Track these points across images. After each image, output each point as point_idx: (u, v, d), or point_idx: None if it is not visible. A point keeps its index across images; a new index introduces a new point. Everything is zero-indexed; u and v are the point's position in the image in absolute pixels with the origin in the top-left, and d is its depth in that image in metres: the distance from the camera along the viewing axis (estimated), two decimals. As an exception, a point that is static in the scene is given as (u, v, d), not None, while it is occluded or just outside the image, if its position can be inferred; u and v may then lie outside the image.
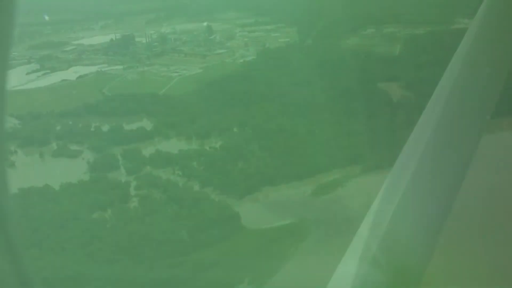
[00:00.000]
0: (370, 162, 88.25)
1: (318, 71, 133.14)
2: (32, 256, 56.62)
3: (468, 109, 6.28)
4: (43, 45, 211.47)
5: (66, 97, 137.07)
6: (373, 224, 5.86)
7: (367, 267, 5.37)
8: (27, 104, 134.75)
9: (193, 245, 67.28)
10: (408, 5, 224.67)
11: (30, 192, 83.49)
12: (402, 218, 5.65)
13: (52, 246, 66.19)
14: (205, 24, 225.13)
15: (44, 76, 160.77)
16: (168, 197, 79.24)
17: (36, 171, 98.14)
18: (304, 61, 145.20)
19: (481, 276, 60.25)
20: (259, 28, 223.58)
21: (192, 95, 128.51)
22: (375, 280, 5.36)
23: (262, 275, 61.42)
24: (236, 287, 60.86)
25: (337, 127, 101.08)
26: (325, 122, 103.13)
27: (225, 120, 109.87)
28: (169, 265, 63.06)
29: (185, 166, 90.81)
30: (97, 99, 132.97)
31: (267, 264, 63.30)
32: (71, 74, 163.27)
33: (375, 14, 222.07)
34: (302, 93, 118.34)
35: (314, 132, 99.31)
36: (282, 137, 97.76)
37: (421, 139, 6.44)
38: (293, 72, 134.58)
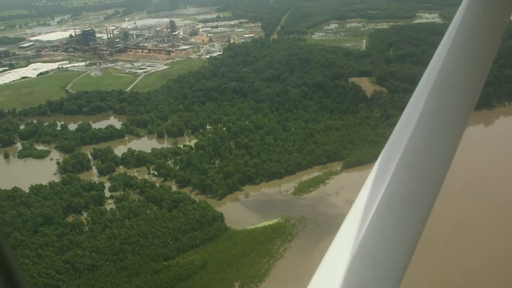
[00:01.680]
0: (349, 159, 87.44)
1: (288, 66, 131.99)
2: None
3: (451, 105, 6.46)
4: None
5: (27, 95, 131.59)
6: (355, 221, 5.93)
7: (349, 264, 5.46)
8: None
9: (177, 248, 64.67)
10: (368, 0, 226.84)
11: (-1, 196, 79.63)
12: (384, 214, 5.79)
13: (27, 253, 62.36)
14: (167, 19, 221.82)
15: (3, 74, 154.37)
16: (146, 198, 76.20)
17: (2, 173, 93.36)
18: (272, 56, 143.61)
19: (464, 271, 60.10)
20: (221, 24, 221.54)
21: (161, 92, 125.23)
22: (357, 277, 5.43)
23: (253, 277, 59.34)
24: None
25: (314, 123, 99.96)
26: (301, 119, 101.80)
27: (197, 118, 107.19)
28: (155, 270, 60.29)
29: (160, 166, 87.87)
30: (61, 97, 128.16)
31: (258, 266, 61.34)
32: (31, 71, 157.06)
33: (337, 9, 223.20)
34: (274, 89, 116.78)
35: (291, 129, 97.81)
36: (258, 134, 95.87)
37: (403, 136, 6.39)
38: (262, 68, 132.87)
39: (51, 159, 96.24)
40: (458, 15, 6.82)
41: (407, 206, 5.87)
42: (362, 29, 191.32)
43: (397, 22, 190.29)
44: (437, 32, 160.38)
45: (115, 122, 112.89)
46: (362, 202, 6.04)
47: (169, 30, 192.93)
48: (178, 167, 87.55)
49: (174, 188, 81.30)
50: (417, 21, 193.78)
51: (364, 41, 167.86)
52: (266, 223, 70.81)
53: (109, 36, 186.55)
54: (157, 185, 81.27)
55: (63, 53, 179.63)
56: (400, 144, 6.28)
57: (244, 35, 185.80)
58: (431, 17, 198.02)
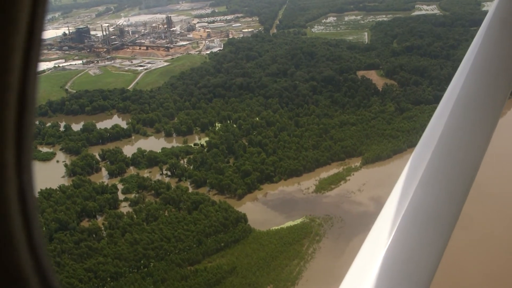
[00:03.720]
0: (368, 154, 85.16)
1: (293, 61, 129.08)
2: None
3: (482, 103, 6.25)
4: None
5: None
6: (384, 226, 5.69)
7: (377, 270, 5.25)
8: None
9: (202, 252, 62.00)
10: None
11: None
12: (413, 218, 5.59)
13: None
14: (161, 15, 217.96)
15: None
16: (163, 200, 73.36)
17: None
18: (275, 51, 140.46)
19: (491, 278, 57.87)
20: (217, 19, 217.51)
21: (165, 90, 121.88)
22: (386, 282, 5.19)
23: (286, 281, 56.86)
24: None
25: (327, 118, 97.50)
26: (313, 114, 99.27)
27: (205, 115, 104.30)
28: (182, 276, 57.58)
29: (173, 166, 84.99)
30: (61, 96, 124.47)
31: (289, 268, 58.87)
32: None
33: (334, 2, 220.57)
34: (281, 84, 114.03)
35: (304, 124, 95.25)
36: (271, 131, 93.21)
37: (433, 138, 6.06)
38: (267, 63, 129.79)
39: (57, 161, 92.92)
40: (489, 15, 6.77)
41: (437, 209, 5.80)
42: (362, 21, 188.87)
43: (396, 14, 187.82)
44: (439, 24, 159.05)
45: (120, 121, 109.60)
46: (394, 201, 5.94)
47: (165, 26, 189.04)
48: (192, 167, 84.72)
49: (189, 189, 78.57)
50: (416, 13, 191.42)
51: (366, 34, 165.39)
52: (291, 223, 68.36)
53: (104, 33, 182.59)
54: (173, 186, 78.55)
55: (58, 51, 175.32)
56: (429, 148, 6.11)
57: (243, 30, 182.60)
58: (429, 9, 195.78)
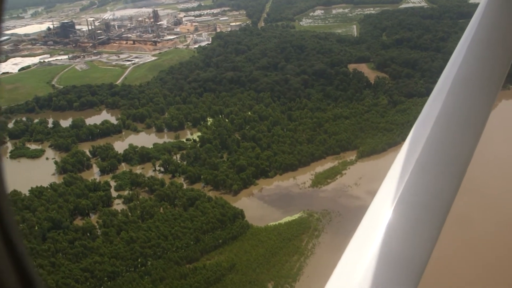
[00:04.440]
0: (363, 148, 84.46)
1: (283, 54, 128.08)
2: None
3: (471, 99, 6.37)
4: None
5: (12, 92, 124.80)
6: (374, 219, 5.71)
7: (368, 262, 5.22)
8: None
9: (200, 249, 60.90)
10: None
11: None
12: (403, 211, 5.60)
13: (40, 262, 57.80)
14: (146, 9, 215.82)
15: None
16: (158, 197, 72.04)
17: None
18: (264, 44, 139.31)
19: (482, 273, 57.51)
20: (204, 13, 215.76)
21: (154, 84, 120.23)
22: (376, 275, 5.15)
23: (286, 277, 56.01)
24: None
25: (320, 112, 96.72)
26: (306, 108, 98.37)
27: (196, 110, 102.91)
28: (181, 275, 56.45)
29: (167, 162, 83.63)
30: (48, 92, 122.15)
31: (289, 264, 58.01)
32: (11, 66, 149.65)
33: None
34: (273, 78, 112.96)
35: (297, 118, 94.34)
36: (264, 125, 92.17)
37: (424, 131, 6.15)
38: (257, 56, 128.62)
39: (47, 158, 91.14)
40: (480, 8, 6.87)
41: (427, 204, 5.72)
42: (350, 14, 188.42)
43: (384, 7, 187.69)
44: (427, 16, 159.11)
45: (109, 117, 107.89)
46: (380, 199, 5.86)
47: (151, 20, 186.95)
48: (185, 163, 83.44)
49: (184, 185, 77.28)
50: (404, 5, 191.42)
51: (355, 26, 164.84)
52: (289, 218, 67.47)
53: (89, 27, 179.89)
54: (166, 182, 77.25)
55: (42, 46, 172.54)
56: (420, 141, 6.10)
57: (231, 24, 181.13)
58: (417, 1, 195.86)
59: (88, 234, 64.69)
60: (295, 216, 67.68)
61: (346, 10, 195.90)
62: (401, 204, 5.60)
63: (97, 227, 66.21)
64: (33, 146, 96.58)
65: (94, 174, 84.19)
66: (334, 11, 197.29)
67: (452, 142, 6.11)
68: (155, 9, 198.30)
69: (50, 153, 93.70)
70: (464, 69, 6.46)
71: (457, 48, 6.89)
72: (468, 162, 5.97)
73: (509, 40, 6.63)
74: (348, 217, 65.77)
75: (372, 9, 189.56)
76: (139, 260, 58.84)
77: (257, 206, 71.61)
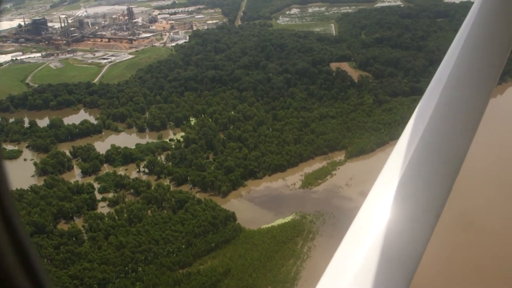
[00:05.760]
0: (351, 148, 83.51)
1: (263, 53, 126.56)
2: None
3: (465, 99, 6.39)
4: None
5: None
6: (367, 216, 5.67)
7: (360, 260, 5.17)
8: None
9: (193, 254, 58.97)
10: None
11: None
12: (397, 209, 5.56)
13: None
14: (119, 6, 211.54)
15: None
16: (145, 199, 69.76)
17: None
18: (243, 43, 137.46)
19: (475, 270, 57.13)
20: (179, 10, 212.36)
21: (133, 83, 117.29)
22: (368, 273, 5.10)
23: (284, 282, 54.56)
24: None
25: (305, 111, 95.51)
26: (290, 107, 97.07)
27: (178, 109, 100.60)
28: (174, 281, 54.46)
29: (151, 163, 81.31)
30: (23, 91, 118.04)
31: (286, 269, 56.55)
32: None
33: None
34: (255, 77, 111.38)
35: (283, 118, 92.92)
36: (250, 125, 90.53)
37: (418, 129, 6.17)
38: (237, 55, 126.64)
39: (25, 159, 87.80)
40: (474, 8, 6.84)
41: (420, 201, 5.65)
42: (326, 13, 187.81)
43: (360, 6, 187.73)
44: (405, 15, 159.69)
45: (87, 116, 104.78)
46: (374, 197, 5.78)
47: (126, 17, 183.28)
48: (170, 164, 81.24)
49: (171, 186, 75.09)
50: (379, 4, 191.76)
51: (333, 25, 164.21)
52: (282, 220, 66.02)
53: (62, 25, 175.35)
54: (152, 184, 74.97)
55: (14, 44, 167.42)
56: (414, 139, 6.03)
57: (207, 22, 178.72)
58: (392, 0, 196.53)
59: (74, 239, 62.12)
60: (288, 218, 66.31)
61: (322, 9, 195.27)
62: (394, 202, 5.54)
63: (83, 231, 63.69)
64: (9, 147, 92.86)
65: (75, 176, 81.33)
66: (310, 10, 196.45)
67: (446, 140, 6.05)
68: (130, 6, 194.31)
69: (28, 154, 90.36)
70: (459, 66, 6.40)
71: (452, 45, 6.83)
72: (462, 160, 5.92)
73: (504, 37, 6.60)
74: (342, 218, 64.57)
75: (348, 8, 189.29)
76: (130, 265, 56.62)
77: (247, 208, 69.95)
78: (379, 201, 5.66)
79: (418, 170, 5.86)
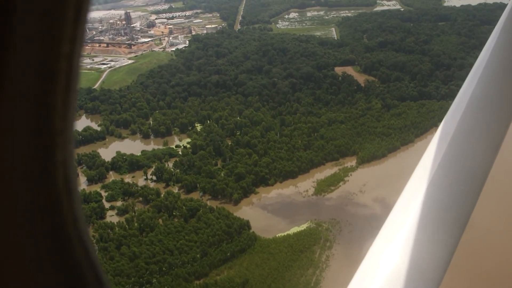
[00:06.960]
0: (363, 153, 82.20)
1: (266, 57, 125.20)
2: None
3: (494, 104, 6.08)
4: None
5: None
6: (391, 231, 5.32)
7: (386, 271, 4.87)
8: None
9: (209, 264, 57.34)
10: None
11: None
12: (422, 225, 5.20)
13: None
14: (115, 11, 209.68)
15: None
16: (155, 207, 68.07)
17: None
18: (244, 47, 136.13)
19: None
20: (176, 15, 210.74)
21: (135, 89, 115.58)
22: (394, 284, 4.81)
23: (305, 294, 53.04)
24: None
25: (313, 117, 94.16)
26: (298, 112, 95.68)
27: (183, 115, 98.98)
28: (191, 292, 52.89)
29: (158, 170, 79.64)
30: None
31: (305, 278, 55.03)
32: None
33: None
34: (259, 82, 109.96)
35: (291, 123, 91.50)
36: (257, 130, 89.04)
37: (442, 144, 5.92)
38: (239, 60, 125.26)
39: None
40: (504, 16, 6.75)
41: (445, 218, 5.37)
42: (326, 17, 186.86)
43: (359, 10, 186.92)
44: (406, 19, 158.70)
45: (89, 123, 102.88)
46: (398, 213, 5.51)
47: (124, 22, 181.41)
48: (179, 171, 79.56)
49: (182, 194, 73.36)
50: (379, 8, 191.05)
51: (333, 29, 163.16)
52: (297, 229, 64.53)
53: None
54: (161, 192, 73.28)
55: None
56: (439, 154, 5.77)
57: (206, 26, 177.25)
58: (391, 4, 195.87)
59: (85, 250, 60.29)
60: (303, 227, 64.83)
61: (321, 13, 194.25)
62: (420, 212, 5.23)
63: (94, 241, 61.88)
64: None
65: (81, 184, 79.43)
66: (309, 14, 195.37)
67: (473, 151, 5.87)
68: (128, 11, 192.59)
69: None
70: (487, 77, 6.17)
71: (484, 49, 6.50)
72: (489, 170, 5.52)
73: None
74: (358, 226, 63.28)
75: (347, 12, 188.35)
76: (144, 277, 54.92)
77: (260, 216, 68.37)
78: (405, 211, 5.37)
79: (446, 178, 5.73)
